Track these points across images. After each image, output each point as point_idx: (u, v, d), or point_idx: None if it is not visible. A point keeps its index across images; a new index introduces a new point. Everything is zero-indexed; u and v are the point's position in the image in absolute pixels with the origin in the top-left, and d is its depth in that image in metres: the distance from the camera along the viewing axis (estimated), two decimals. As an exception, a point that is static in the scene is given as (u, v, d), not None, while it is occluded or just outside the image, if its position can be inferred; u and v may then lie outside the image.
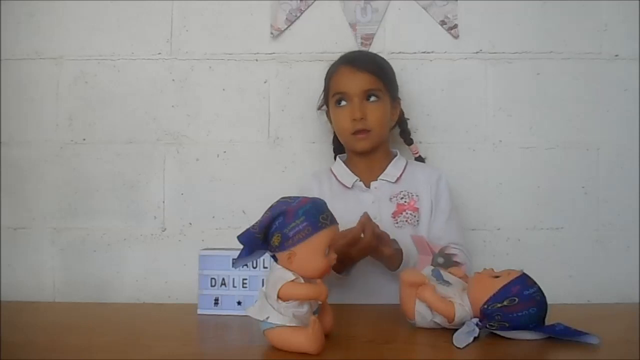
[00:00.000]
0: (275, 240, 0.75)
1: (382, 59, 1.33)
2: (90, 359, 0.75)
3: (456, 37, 1.44)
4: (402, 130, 1.38)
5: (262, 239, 0.76)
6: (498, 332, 0.79)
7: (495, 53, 1.45)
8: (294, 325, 0.74)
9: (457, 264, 1.03)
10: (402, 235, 1.18)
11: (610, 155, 1.44)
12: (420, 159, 1.40)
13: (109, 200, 1.47)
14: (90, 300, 1.39)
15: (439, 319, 0.82)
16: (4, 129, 1.48)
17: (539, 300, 0.78)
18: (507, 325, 0.77)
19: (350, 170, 1.29)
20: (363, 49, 1.43)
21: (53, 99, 1.47)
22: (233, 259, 0.95)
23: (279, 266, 0.76)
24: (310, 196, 1.13)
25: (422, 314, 0.83)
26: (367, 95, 1.24)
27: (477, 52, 1.45)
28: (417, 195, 1.24)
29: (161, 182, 1.47)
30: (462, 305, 0.80)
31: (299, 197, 0.78)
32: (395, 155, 1.32)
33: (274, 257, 0.78)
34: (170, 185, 1.47)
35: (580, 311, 1.04)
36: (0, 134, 1.48)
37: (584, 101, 1.45)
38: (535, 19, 1.45)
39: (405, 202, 1.23)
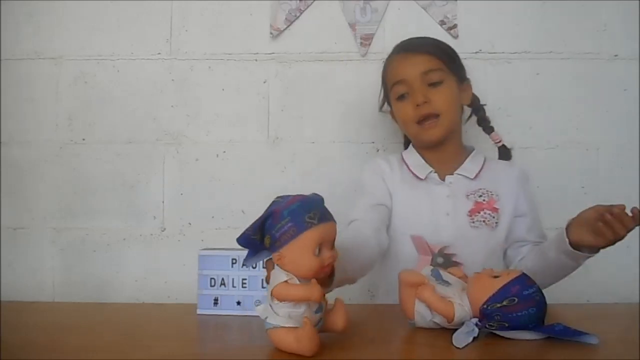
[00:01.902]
0: (267, 241, 0.74)
1: (440, 40, 1.22)
2: (90, 359, 0.74)
3: (455, 37, 1.44)
4: (480, 118, 1.27)
5: (259, 240, 0.76)
6: (497, 332, 0.78)
7: (494, 53, 1.45)
8: (289, 326, 0.74)
9: (456, 263, 1.03)
10: (477, 237, 1.12)
11: (610, 155, 1.45)
12: (504, 148, 1.28)
13: (109, 200, 1.47)
14: (90, 300, 1.39)
15: (439, 319, 0.82)
16: (4, 129, 1.48)
17: (538, 300, 0.78)
18: (507, 325, 0.77)
19: (425, 160, 1.18)
20: (362, 49, 1.43)
21: (53, 99, 1.48)
22: (233, 259, 0.96)
23: (277, 266, 0.76)
24: (380, 175, 1.10)
25: (421, 314, 0.83)
26: (428, 77, 1.13)
27: (476, 52, 1.45)
28: (497, 195, 1.14)
29: (161, 182, 1.47)
30: (462, 305, 0.80)
31: (289, 196, 0.76)
32: (472, 150, 1.22)
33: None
34: (170, 185, 1.47)
35: (580, 311, 1.04)
36: (0, 134, 1.48)
37: (583, 101, 1.45)
38: (535, 19, 1.45)
39: (484, 200, 1.13)
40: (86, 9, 1.48)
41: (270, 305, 0.75)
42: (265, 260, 0.79)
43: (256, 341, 0.79)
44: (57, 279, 1.47)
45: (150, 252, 1.47)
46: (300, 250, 0.73)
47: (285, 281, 0.74)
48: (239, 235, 0.76)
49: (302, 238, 0.72)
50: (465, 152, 1.21)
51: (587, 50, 1.45)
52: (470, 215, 1.12)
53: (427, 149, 1.19)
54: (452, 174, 1.16)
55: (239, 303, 0.95)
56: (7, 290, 1.42)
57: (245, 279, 0.96)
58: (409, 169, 1.18)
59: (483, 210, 1.12)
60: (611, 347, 0.77)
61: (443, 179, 1.16)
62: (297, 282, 0.74)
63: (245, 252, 0.82)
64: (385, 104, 1.27)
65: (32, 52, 1.48)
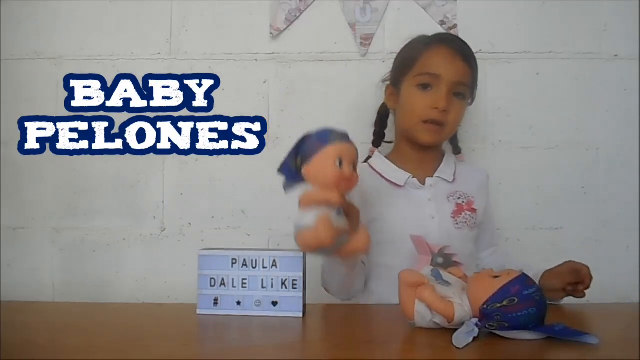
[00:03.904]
0: (298, 162, 0.86)
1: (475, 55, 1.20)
2: (90, 359, 0.74)
3: (456, 37, 1.45)
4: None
5: (295, 166, 0.85)
6: (497, 332, 0.78)
7: (494, 53, 1.45)
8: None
9: (456, 263, 1.03)
10: (460, 238, 1.14)
11: (610, 155, 1.45)
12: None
13: (109, 200, 1.47)
14: (90, 300, 1.39)
15: (439, 319, 0.82)
16: (3, 129, 1.48)
17: (538, 300, 0.78)
18: (507, 325, 0.77)
19: (398, 166, 1.19)
20: (362, 49, 1.43)
21: (53, 99, 1.47)
22: (233, 259, 0.95)
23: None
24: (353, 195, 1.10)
25: (421, 314, 0.83)
26: (457, 87, 1.13)
27: (476, 52, 1.43)
28: (472, 197, 1.17)
29: (160, 182, 1.47)
30: (462, 305, 0.80)
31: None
32: (444, 153, 1.24)
33: None
34: (170, 185, 1.47)
35: (580, 311, 1.04)
36: (0, 134, 1.48)
37: (583, 101, 1.45)
38: (535, 19, 1.45)
39: (462, 202, 1.15)
40: (86, 9, 1.48)
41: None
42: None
43: (256, 341, 0.79)
44: (57, 279, 1.47)
45: (150, 252, 1.47)
46: (322, 161, 0.83)
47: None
48: (280, 163, 0.87)
49: (325, 150, 0.83)
50: (440, 155, 1.23)
51: (587, 50, 1.45)
52: (454, 217, 1.14)
53: (413, 148, 1.18)
54: (432, 177, 1.18)
55: (239, 303, 0.95)
56: (7, 290, 1.42)
57: (245, 279, 0.96)
58: (382, 177, 1.17)
59: (464, 211, 1.15)
60: (611, 347, 0.77)
61: (423, 183, 1.17)
62: None
63: (244, 250, 0.89)
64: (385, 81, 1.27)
65: (32, 52, 1.48)
